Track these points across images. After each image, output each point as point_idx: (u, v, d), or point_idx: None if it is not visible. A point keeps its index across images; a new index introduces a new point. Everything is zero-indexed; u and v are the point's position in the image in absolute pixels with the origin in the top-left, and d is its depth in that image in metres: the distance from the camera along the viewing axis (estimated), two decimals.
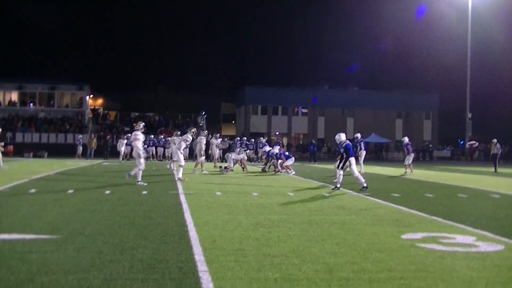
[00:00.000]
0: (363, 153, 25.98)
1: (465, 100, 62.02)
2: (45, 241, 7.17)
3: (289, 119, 73.16)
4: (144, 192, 13.92)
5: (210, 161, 30.78)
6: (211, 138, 26.21)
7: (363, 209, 11.52)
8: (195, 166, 23.92)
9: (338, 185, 15.93)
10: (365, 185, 15.74)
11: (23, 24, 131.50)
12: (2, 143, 26.22)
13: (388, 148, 64.88)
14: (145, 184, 16.11)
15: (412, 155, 26.21)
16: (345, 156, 16.02)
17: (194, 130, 20.76)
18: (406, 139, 26.72)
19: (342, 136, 16.43)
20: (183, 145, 19.13)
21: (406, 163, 26.03)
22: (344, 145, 16.09)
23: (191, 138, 19.94)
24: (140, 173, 16.42)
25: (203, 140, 24.57)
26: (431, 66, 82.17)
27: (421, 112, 74.66)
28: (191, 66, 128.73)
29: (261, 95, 72.26)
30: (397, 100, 74.02)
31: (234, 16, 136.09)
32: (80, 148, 42.20)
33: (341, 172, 16.12)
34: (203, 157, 24.17)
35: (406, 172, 25.75)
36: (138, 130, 16.88)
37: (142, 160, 16.49)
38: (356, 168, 16.79)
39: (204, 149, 24.28)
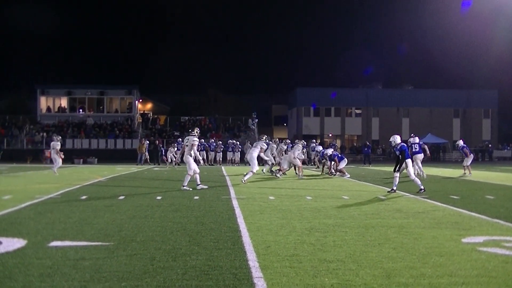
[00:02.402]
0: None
1: None
2: (97, 248, 7.19)
3: (343, 120, 72.50)
4: (196, 198, 13.90)
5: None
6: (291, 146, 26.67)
7: (420, 212, 11.23)
8: (299, 171, 23.91)
9: (394, 188, 15.62)
10: (422, 187, 15.43)
11: (71, 30, 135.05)
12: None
13: (445, 148, 63.36)
14: (190, 189, 16.20)
15: (472, 156, 25.61)
16: (400, 158, 15.72)
17: (266, 136, 21.89)
18: (461, 142, 26.19)
19: (397, 138, 16.18)
20: (258, 152, 19.99)
21: (465, 164, 25.42)
22: (399, 147, 15.80)
23: (266, 146, 20.71)
24: (188, 178, 16.55)
25: (273, 147, 25.21)
26: (489, 61, 79.97)
27: (479, 110, 72.85)
28: (240, 68, 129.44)
29: (313, 96, 71.71)
30: (453, 97, 72.59)
31: (285, 18, 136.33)
32: (146, 154, 40.64)
33: (397, 174, 15.80)
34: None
35: (465, 173, 25.15)
36: (194, 136, 16.97)
37: (193, 166, 16.55)
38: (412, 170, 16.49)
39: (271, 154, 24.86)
